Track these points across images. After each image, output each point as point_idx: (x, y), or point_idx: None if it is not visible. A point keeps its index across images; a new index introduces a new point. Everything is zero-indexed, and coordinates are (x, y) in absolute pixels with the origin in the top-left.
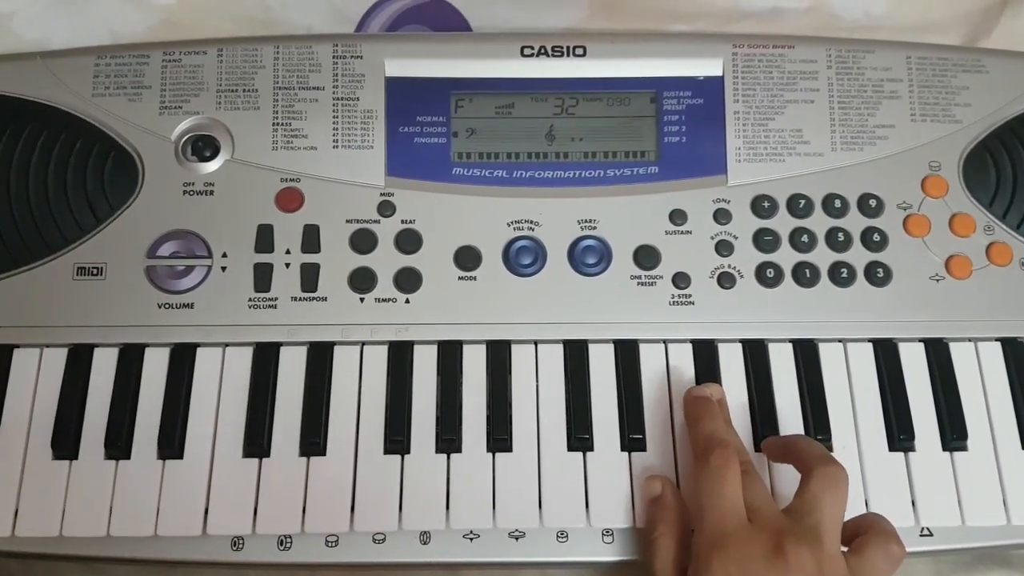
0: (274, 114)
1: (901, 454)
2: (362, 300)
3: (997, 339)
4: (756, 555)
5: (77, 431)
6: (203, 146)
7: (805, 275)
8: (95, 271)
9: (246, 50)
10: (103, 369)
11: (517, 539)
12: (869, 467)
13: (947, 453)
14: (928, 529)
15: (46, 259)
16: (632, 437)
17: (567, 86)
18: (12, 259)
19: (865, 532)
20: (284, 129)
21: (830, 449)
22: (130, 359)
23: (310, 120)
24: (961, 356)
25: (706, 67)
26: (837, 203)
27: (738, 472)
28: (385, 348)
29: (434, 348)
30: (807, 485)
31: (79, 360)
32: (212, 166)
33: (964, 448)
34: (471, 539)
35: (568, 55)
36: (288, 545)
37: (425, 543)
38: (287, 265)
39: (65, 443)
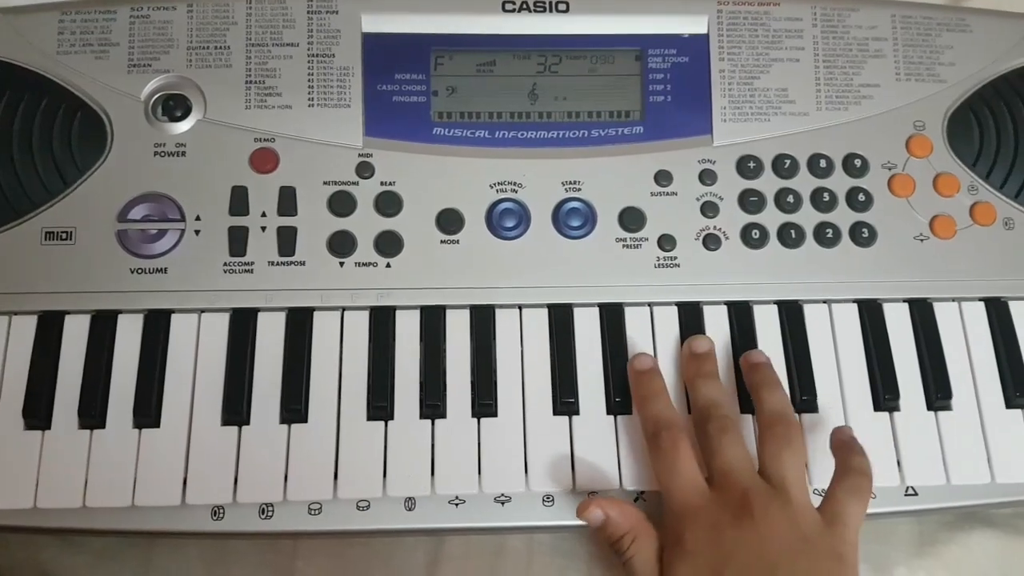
0: (247, 72)
1: (886, 414)
2: (342, 264)
3: (981, 299)
4: (724, 519)
5: (49, 400)
6: (174, 105)
7: (790, 236)
8: (64, 235)
9: (217, 5)
10: (75, 336)
11: (503, 504)
12: (854, 427)
13: (932, 412)
14: (913, 488)
15: (12, 224)
16: (618, 400)
17: (550, 43)
18: None
19: (835, 472)
20: (257, 87)
21: (815, 409)
22: (102, 326)
23: (284, 78)
24: (945, 316)
25: (691, 24)
26: (822, 163)
27: (688, 449)
28: (366, 313)
29: (417, 313)
30: (764, 445)
31: (49, 327)
32: (183, 126)
33: (948, 407)
34: (456, 504)
35: (551, 10)
36: (270, 514)
37: (410, 509)
38: (263, 228)
39: (37, 412)
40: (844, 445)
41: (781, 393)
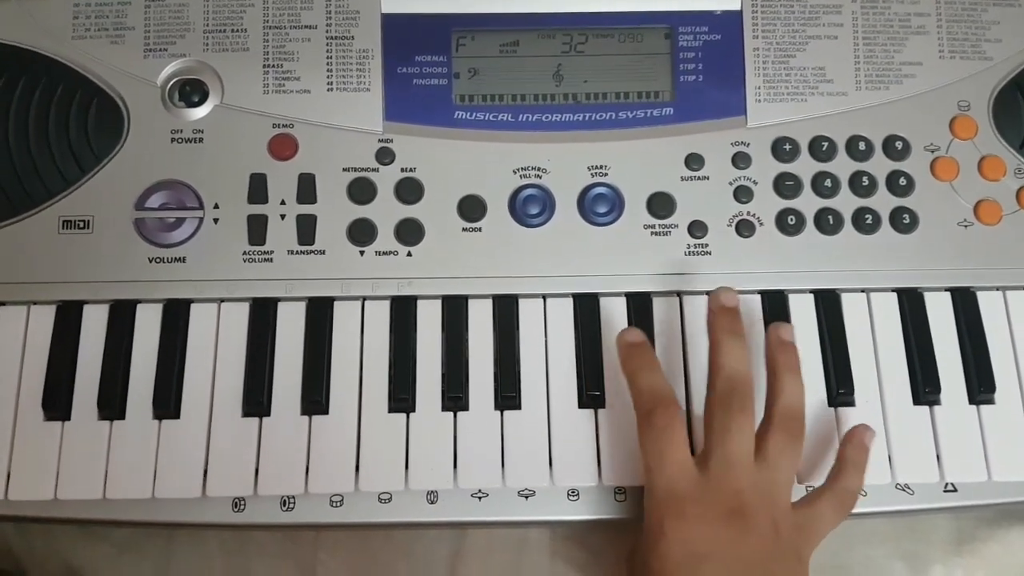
0: (264, 55)
1: (926, 408)
2: (362, 253)
3: None
4: (712, 514)
5: (68, 392)
6: (191, 91)
7: (828, 222)
8: (81, 224)
9: None
10: (93, 327)
11: (527, 498)
12: (893, 421)
13: (974, 406)
14: (952, 484)
15: (29, 213)
16: None
17: (576, 21)
18: None
19: (829, 481)
20: (275, 71)
21: (852, 403)
22: (121, 316)
23: (302, 61)
24: (989, 305)
25: (723, 0)
26: (861, 145)
27: (683, 431)
28: (387, 303)
29: (438, 303)
30: (767, 437)
31: (68, 317)
32: (201, 112)
33: (991, 401)
34: (479, 498)
35: None
36: (291, 506)
37: (432, 502)
38: (282, 216)
39: (56, 404)
40: (852, 455)
41: (801, 385)
